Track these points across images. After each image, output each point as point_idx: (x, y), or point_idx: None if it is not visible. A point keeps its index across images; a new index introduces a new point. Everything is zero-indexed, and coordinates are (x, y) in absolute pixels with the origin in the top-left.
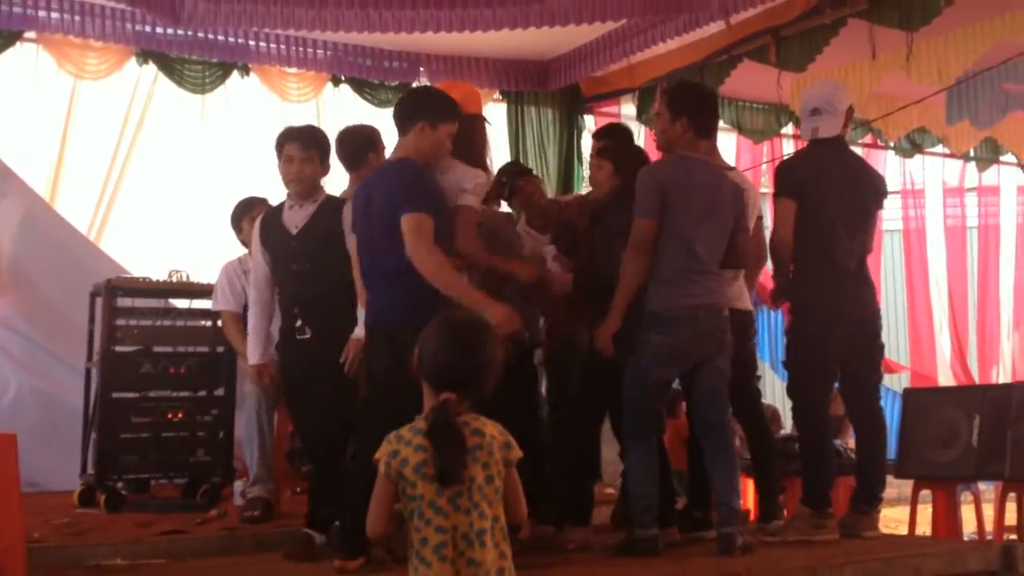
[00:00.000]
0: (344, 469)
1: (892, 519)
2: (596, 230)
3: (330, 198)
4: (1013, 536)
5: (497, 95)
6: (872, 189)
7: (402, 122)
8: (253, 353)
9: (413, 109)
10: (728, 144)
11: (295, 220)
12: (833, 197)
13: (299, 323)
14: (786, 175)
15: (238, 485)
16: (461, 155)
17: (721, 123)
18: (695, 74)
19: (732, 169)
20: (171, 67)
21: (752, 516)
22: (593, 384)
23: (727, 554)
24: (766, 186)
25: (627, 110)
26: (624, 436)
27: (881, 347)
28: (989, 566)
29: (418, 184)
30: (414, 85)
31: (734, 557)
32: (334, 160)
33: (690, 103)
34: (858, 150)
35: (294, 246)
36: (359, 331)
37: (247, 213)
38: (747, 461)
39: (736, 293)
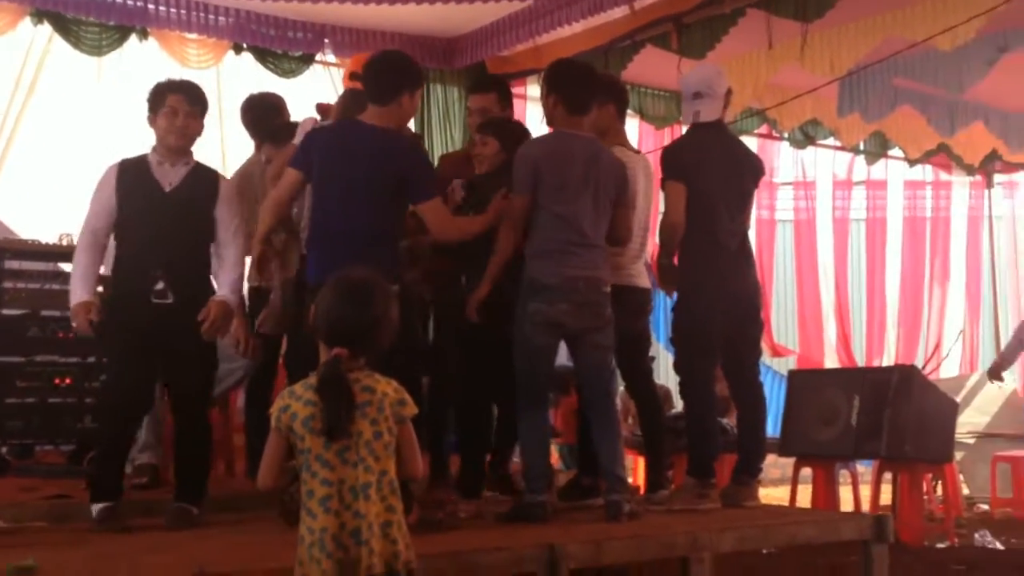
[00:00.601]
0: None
1: (774, 498)
2: (475, 201)
3: (201, 164)
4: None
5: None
6: (751, 170)
7: (385, 91)
8: (82, 291)
9: (399, 78)
10: (631, 130)
11: (168, 178)
12: (716, 179)
13: (161, 286)
14: (672, 159)
15: None
16: None
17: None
18: (599, 58)
19: (637, 152)
20: (67, 28)
21: (641, 490)
22: (472, 352)
23: (614, 520)
24: None
25: (533, 91)
26: (516, 405)
27: (761, 324)
28: (862, 535)
29: (431, 167)
30: (318, 56)
31: (620, 523)
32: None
33: (560, 79)
34: (753, 140)
35: (166, 205)
36: (225, 294)
37: None
38: (639, 438)
39: (637, 271)
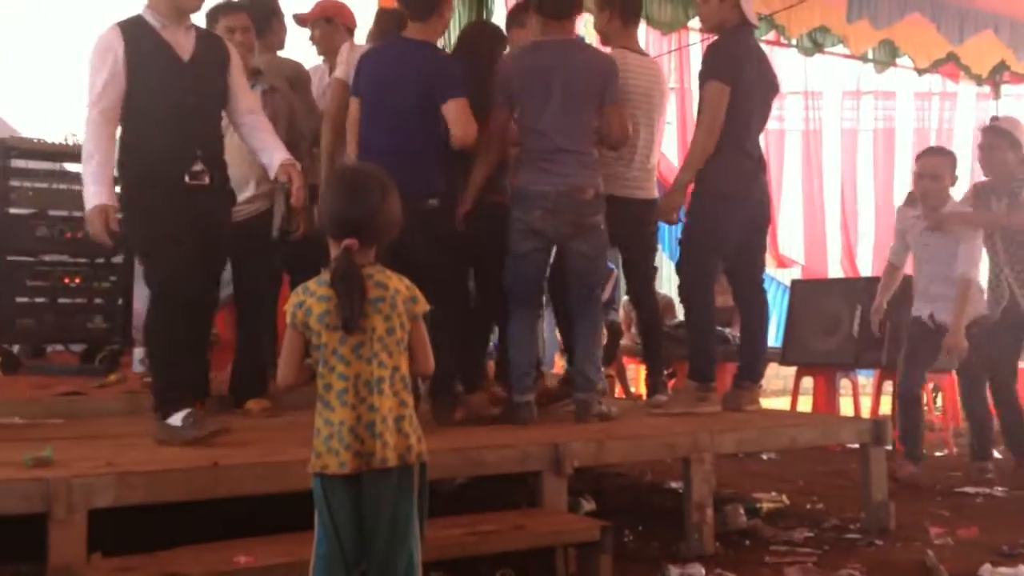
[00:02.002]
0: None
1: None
2: None
3: (201, 28)
4: None
5: None
6: (774, 82)
7: (423, 8)
8: (98, 189)
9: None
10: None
11: (181, 44)
12: (752, 87)
13: (199, 167)
14: (722, 58)
15: (137, 352)
16: None
17: None
18: None
19: (646, 56)
20: None
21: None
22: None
23: (582, 420)
24: (673, 82)
25: None
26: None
27: (768, 231)
28: (860, 438)
29: (460, 71)
30: None
31: (588, 423)
32: None
33: None
34: (763, 47)
35: (186, 75)
36: (288, 156)
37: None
38: (640, 346)
39: (635, 181)
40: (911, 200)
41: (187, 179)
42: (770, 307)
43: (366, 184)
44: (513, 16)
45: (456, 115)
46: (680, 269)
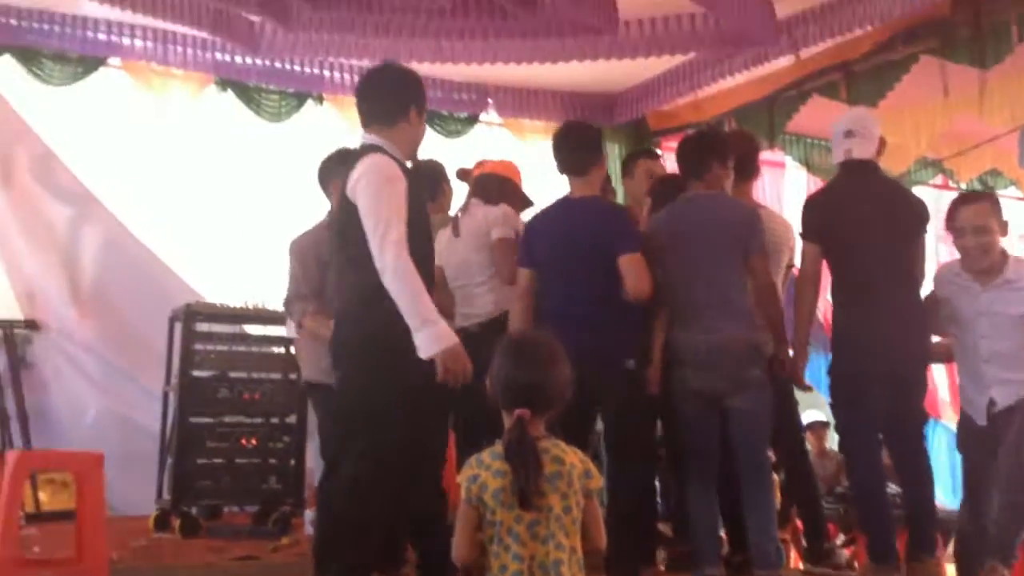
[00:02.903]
0: None
1: None
2: None
3: None
4: None
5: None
6: (912, 215)
7: (585, 163)
8: (445, 324)
9: (596, 147)
10: (798, 181)
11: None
12: (868, 226)
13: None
14: (809, 215)
15: (308, 514)
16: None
17: (789, 160)
18: (763, 109)
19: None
20: (249, 96)
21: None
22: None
23: None
24: None
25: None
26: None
27: (924, 385)
28: None
29: (634, 223)
30: (483, 116)
31: None
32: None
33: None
34: (928, 190)
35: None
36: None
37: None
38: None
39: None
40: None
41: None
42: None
43: (535, 351)
44: (625, 166)
45: (630, 268)
46: (837, 430)
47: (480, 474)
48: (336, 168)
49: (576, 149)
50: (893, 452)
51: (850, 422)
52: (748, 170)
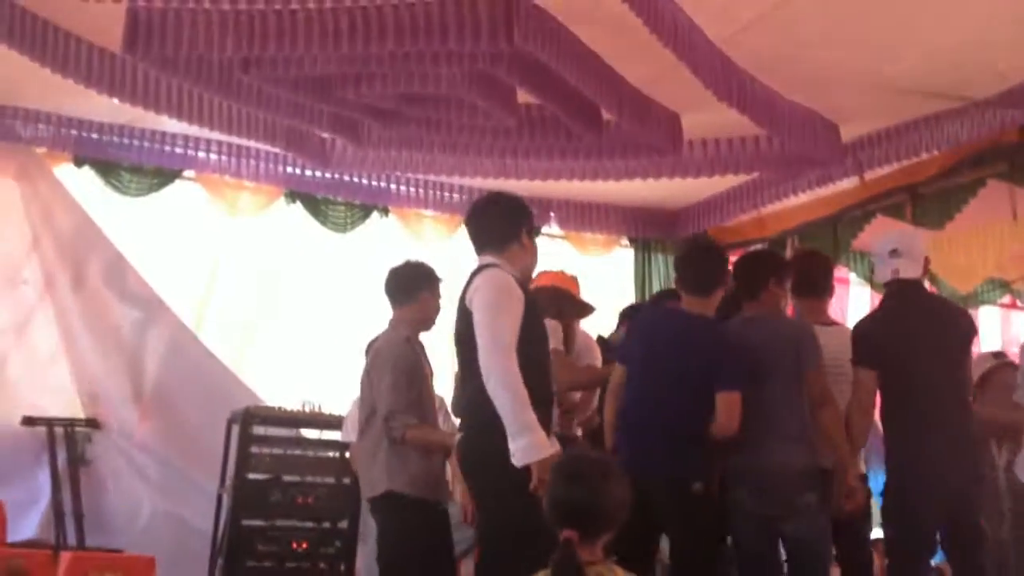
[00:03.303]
0: None
1: None
2: None
3: None
4: None
5: (625, 241)
6: (959, 332)
7: (708, 284)
8: (547, 444)
9: (721, 271)
10: (863, 299)
11: None
12: (919, 348)
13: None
14: (862, 341)
15: None
16: None
17: (853, 277)
18: (827, 227)
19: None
20: (316, 207)
21: None
22: None
23: None
24: None
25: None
26: None
27: (979, 511)
28: None
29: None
30: (544, 229)
31: None
32: None
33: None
34: (995, 309)
35: None
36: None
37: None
38: None
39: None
40: None
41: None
42: None
43: (586, 472)
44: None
45: (728, 406)
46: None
47: None
48: (424, 278)
49: (701, 269)
50: (955, 570)
51: (901, 546)
52: (822, 288)
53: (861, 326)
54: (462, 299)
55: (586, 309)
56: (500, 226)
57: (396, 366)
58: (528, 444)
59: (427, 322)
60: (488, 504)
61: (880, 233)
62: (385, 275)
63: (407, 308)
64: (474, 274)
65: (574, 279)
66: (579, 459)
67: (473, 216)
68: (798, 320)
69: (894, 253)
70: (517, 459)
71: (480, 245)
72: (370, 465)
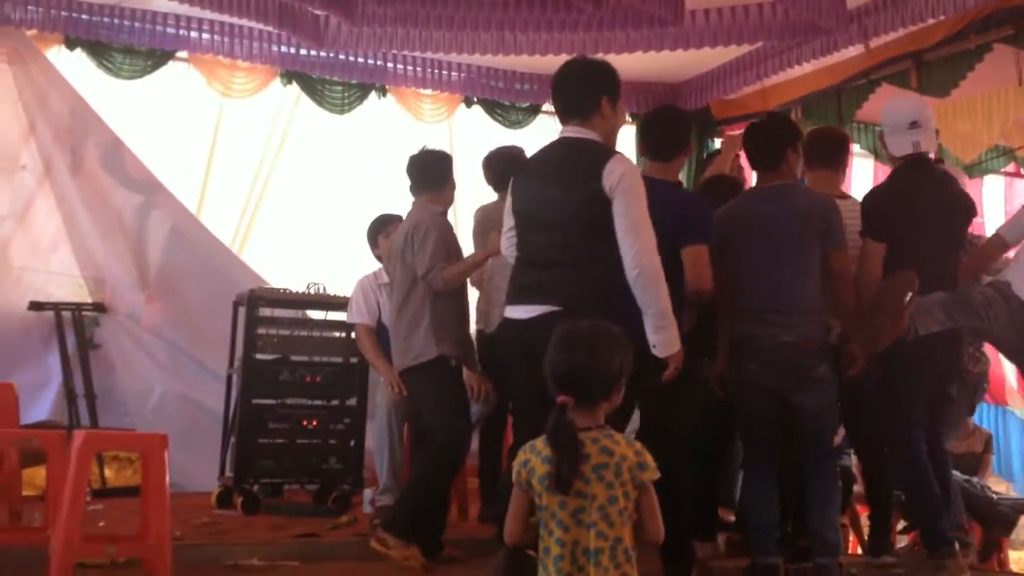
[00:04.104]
0: None
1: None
2: None
3: None
4: None
5: (628, 118)
6: (963, 210)
7: (672, 150)
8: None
9: (684, 135)
10: (866, 170)
11: None
12: (924, 223)
13: None
14: (875, 213)
15: (367, 493)
16: None
17: (858, 148)
18: (831, 98)
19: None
20: (313, 88)
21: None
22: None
23: None
24: None
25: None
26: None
27: (956, 379)
28: None
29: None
30: (545, 107)
31: None
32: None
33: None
34: (999, 178)
35: None
36: None
37: (382, 230)
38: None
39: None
40: None
41: None
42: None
43: (576, 340)
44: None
45: (694, 261)
46: (874, 423)
47: (530, 459)
48: (448, 166)
49: (666, 134)
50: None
51: (896, 410)
52: (837, 160)
53: (873, 198)
54: (576, 177)
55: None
56: (583, 92)
57: (437, 235)
58: (672, 337)
59: (448, 206)
60: None
61: (892, 102)
62: (409, 161)
63: (436, 193)
64: (581, 150)
65: None
66: (575, 326)
67: (557, 82)
68: (822, 194)
69: (914, 125)
70: (660, 350)
71: (566, 114)
72: (411, 335)
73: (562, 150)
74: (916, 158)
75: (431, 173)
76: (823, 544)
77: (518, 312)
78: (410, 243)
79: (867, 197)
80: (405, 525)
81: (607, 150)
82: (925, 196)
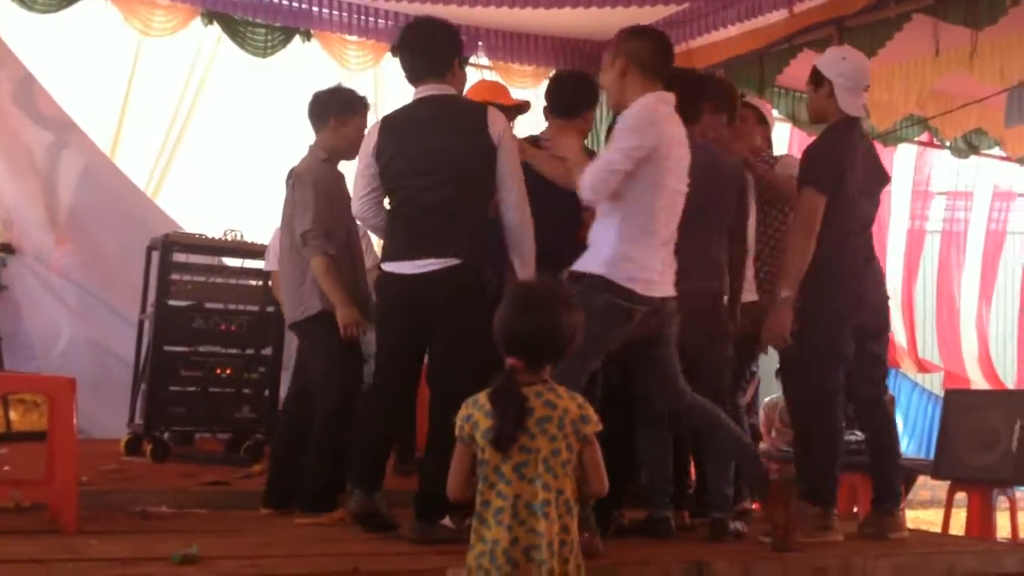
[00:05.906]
0: None
1: (925, 521)
2: None
3: None
4: None
5: (552, 73)
6: (883, 176)
7: (574, 108)
8: None
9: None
10: (782, 135)
11: None
12: (858, 184)
13: None
14: (820, 164)
15: None
16: None
17: (776, 113)
18: (754, 62)
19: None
20: (235, 29)
21: None
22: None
23: (717, 539)
24: None
25: None
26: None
27: (886, 340)
28: None
29: None
30: (472, 59)
31: (725, 542)
32: None
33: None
34: (912, 147)
35: None
36: None
37: None
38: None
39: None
40: None
41: None
42: (921, 417)
43: (536, 302)
44: None
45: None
46: (796, 391)
47: (473, 414)
48: (333, 105)
49: (566, 91)
50: (858, 410)
51: (825, 383)
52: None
53: (818, 149)
54: (462, 129)
55: (523, 106)
56: (440, 53)
57: (314, 185)
58: (531, 275)
59: (343, 150)
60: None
61: (856, 59)
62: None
63: (320, 134)
64: (459, 104)
65: (502, 85)
66: (532, 287)
67: (410, 43)
68: (735, 154)
69: (867, 89)
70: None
71: (418, 73)
72: (298, 287)
73: (433, 106)
74: (856, 120)
75: (312, 110)
76: (721, 499)
77: (406, 268)
78: (291, 195)
79: (814, 150)
80: (323, 499)
81: (479, 103)
82: (864, 157)
